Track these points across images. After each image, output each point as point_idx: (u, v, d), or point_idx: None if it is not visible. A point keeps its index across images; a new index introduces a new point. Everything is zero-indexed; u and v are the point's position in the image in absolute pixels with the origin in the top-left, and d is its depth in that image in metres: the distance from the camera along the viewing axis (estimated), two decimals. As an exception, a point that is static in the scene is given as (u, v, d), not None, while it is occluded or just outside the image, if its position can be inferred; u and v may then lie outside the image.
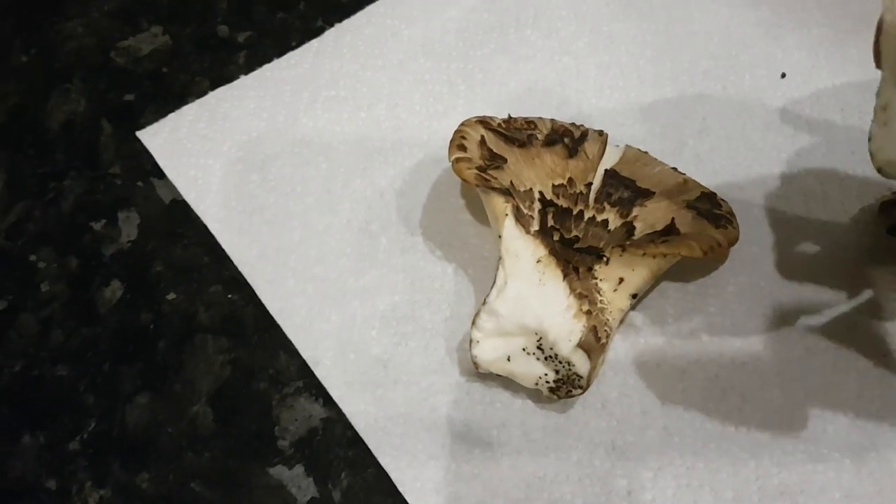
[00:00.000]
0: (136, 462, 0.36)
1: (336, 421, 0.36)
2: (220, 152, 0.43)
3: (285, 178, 0.42)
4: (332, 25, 0.49)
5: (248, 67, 0.47)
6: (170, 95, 0.46)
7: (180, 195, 0.42)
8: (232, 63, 0.47)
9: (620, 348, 0.37)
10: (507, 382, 0.36)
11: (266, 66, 0.47)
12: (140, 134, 0.44)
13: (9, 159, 0.44)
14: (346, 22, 0.49)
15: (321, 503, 0.34)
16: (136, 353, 0.38)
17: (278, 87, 0.46)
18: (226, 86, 0.46)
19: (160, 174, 0.43)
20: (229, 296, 0.39)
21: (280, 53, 0.48)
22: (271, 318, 0.39)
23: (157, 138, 0.44)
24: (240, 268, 0.40)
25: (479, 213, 0.41)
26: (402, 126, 0.44)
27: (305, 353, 0.38)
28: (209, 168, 0.43)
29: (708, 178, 0.40)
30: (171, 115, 0.45)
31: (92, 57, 0.48)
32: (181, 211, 0.42)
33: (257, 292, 0.39)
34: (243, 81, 0.46)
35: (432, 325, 0.38)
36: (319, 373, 0.37)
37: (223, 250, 0.40)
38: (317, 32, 0.48)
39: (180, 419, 0.37)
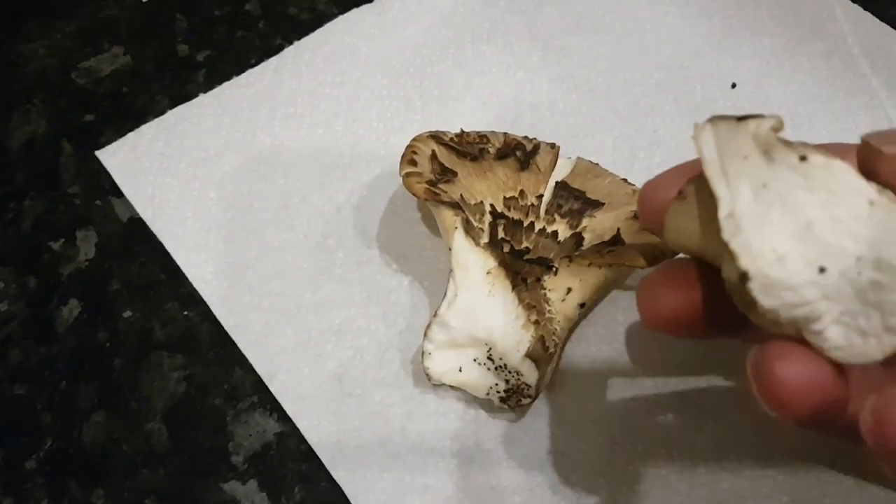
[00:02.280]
0: (91, 480, 0.36)
1: (290, 435, 0.36)
2: (177, 170, 0.44)
3: (242, 195, 0.43)
4: (291, 43, 0.49)
5: (208, 85, 0.47)
6: (130, 115, 0.46)
7: (137, 213, 0.43)
8: (191, 81, 0.48)
9: (572, 357, 0.37)
10: (460, 393, 0.36)
11: (225, 84, 0.47)
12: (99, 153, 0.45)
13: (-32, 181, 0.44)
14: (305, 40, 0.49)
15: (274, 517, 0.35)
16: (93, 371, 0.38)
17: (237, 105, 0.46)
18: (184, 104, 0.46)
19: (118, 193, 0.43)
20: (185, 312, 0.40)
21: (240, 71, 0.48)
22: (227, 334, 0.39)
23: (116, 157, 0.44)
24: (195, 285, 0.40)
25: (435, 227, 0.41)
26: (359, 142, 0.45)
27: (260, 368, 0.38)
28: (166, 186, 0.43)
29: (659, 187, 0.40)
30: (130, 135, 0.45)
31: (53, 78, 0.48)
32: (138, 229, 0.42)
33: (212, 309, 0.39)
34: (202, 100, 0.47)
35: (387, 337, 0.38)
36: (274, 387, 0.37)
37: (179, 268, 0.41)
38: (276, 50, 0.49)
39: (136, 437, 0.37)
